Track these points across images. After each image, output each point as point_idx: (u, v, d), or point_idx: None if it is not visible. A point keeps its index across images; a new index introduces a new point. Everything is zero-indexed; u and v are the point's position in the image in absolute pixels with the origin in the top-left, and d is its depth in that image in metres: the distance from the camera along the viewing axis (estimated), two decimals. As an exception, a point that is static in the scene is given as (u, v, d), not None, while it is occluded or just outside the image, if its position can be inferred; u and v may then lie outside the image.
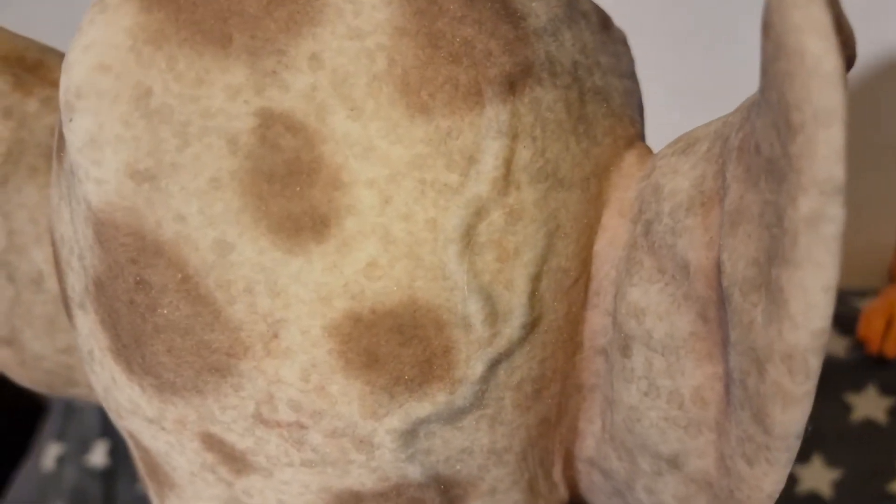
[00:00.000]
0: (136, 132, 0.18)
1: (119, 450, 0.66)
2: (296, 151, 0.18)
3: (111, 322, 0.21)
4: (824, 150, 0.14)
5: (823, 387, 0.57)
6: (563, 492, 0.24)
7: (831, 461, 0.55)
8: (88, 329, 0.22)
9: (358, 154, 0.18)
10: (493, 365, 0.20)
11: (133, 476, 0.66)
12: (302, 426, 0.20)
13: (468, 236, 0.19)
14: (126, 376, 0.21)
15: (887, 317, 0.54)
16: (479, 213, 0.19)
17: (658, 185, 0.20)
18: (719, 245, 0.18)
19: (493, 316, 0.20)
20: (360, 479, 0.21)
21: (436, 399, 0.20)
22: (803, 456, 0.56)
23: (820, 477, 0.55)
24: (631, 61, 0.24)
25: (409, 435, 0.20)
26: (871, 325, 0.55)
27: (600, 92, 0.22)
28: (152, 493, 0.25)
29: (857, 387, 0.56)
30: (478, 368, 0.20)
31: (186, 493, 0.23)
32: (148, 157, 0.18)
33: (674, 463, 0.20)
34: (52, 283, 0.26)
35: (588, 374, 0.23)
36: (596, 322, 0.22)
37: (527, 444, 0.22)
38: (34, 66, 0.25)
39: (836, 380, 0.56)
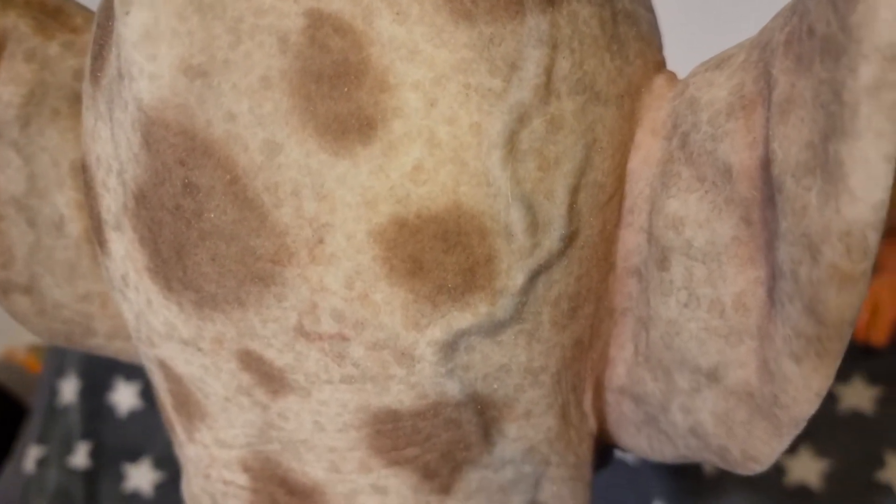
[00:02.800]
0: (190, 26, 0.18)
1: (100, 451, 0.65)
2: (343, 53, 0.18)
3: (151, 237, 0.20)
4: (886, 14, 0.14)
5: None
6: (591, 423, 0.24)
7: (819, 452, 0.56)
8: (124, 251, 0.21)
9: (404, 57, 0.18)
10: (533, 277, 0.20)
11: (116, 476, 0.65)
12: (344, 338, 0.20)
13: (511, 143, 0.19)
14: (163, 296, 0.21)
15: (872, 306, 0.54)
16: (521, 119, 0.19)
17: (693, 98, 0.20)
18: (766, 138, 0.18)
19: (534, 226, 0.20)
20: (399, 396, 0.21)
21: (477, 310, 0.20)
22: (790, 447, 0.56)
23: (808, 468, 0.56)
24: None
25: (450, 348, 0.20)
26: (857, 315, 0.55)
27: (630, 16, 0.22)
28: (180, 430, 0.24)
29: (843, 377, 0.56)
30: (518, 279, 0.20)
31: (219, 421, 0.23)
32: (201, 52, 0.18)
33: (713, 376, 0.20)
34: (73, 228, 0.26)
35: (620, 297, 0.22)
36: (630, 240, 0.22)
37: (561, 365, 0.22)
38: (54, 11, 0.25)
39: (822, 371, 0.56)
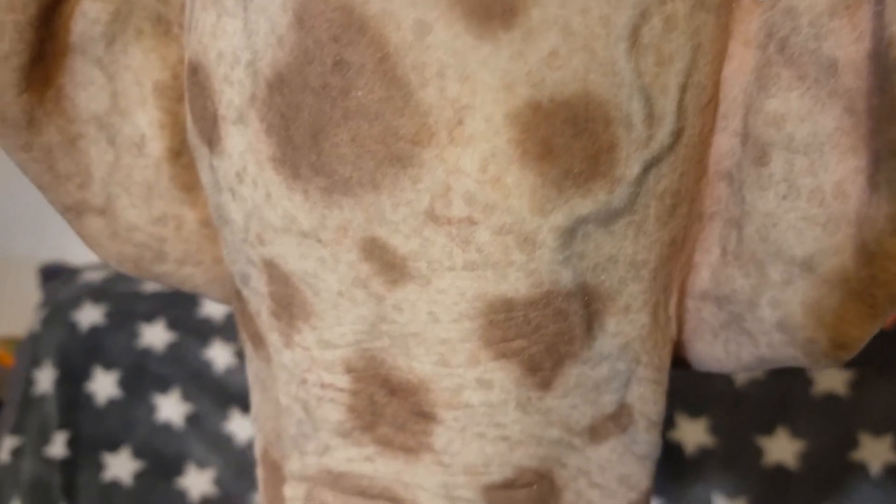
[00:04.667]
0: None
1: (78, 440, 0.64)
2: None
3: (283, 124, 0.21)
4: None
5: (786, 362, 0.58)
6: (673, 328, 0.25)
7: (796, 433, 0.57)
8: (245, 144, 0.22)
9: None
10: (647, 168, 0.22)
11: (95, 465, 0.64)
12: (472, 222, 0.21)
13: (634, 36, 0.20)
14: (286, 186, 0.22)
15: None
16: (643, 15, 0.20)
17: (790, 6, 0.21)
18: (873, 31, 0.19)
19: (651, 118, 0.21)
20: (516, 284, 0.22)
21: (597, 197, 0.21)
22: (768, 428, 0.58)
23: (785, 449, 0.57)
24: None
25: (569, 235, 0.21)
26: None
27: None
28: (275, 337, 0.25)
29: (818, 361, 0.57)
30: (634, 169, 0.21)
31: (326, 320, 0.23)
32: None
33: (807, 265, 0.22)
34: (154, 147, 0.26)
35: (709, 201, 0.24)
36: (723, 144, 0.23)
37: (658, 263, 0.23)
38: None
39: (797, 355, 0.58)
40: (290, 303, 0.24)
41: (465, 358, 0.23)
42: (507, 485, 0.23)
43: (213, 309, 0.67)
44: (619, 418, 0.24)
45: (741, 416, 0.58)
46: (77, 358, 0.66)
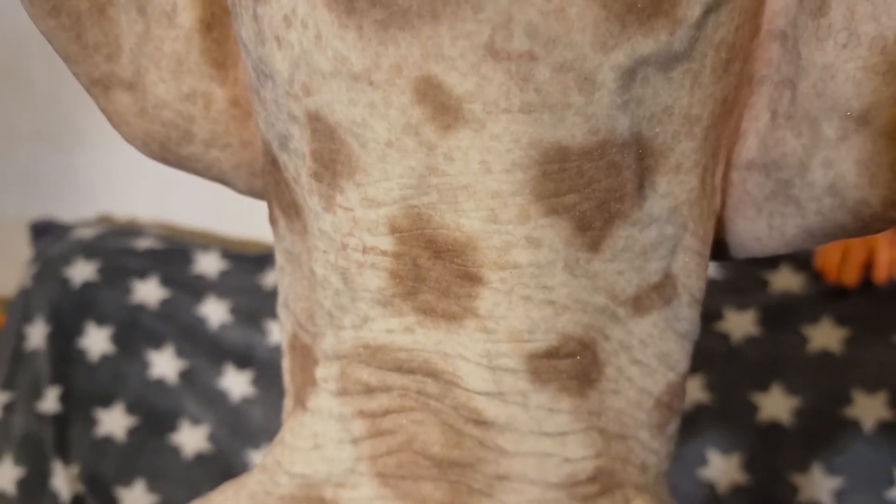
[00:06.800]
0: None
1: (71, 395, 0.64)
2: None
3: None
4: None
5: (780, 320, 0.59)
6: (718, 201, 0.25)
7: (790, 390, 0.58)
8: None
9: None
10: (707, 12, 0.22)
11: (88, 421, 0.63)
12: (533, 57, 0.21)
13: None
14: (339, 24, 0.21)
15: (843, 248, 0.56)
16: None
17: None
18: None
19: None
20: (573, 130, 0.22)
21: (659, 37, 0.21)
22: (763, 385, 0.58)
23: (779, 405, 0.57)
24: None
25: (629, 76, 0.21)
26: (828, 256, 0.57)
27: None
28: (315, 201, 0.24)
29: (813, 319, 0.58)
30: (696, 10, 0.21)
31: (372, 174, 0.23)
32: None
33: (864, 118, 0.22)
34: (185, 18, 0.26)
35: (759, 64, 0.24)
36: (777, 2, 0.23)
37: (710, 122, 0.23)
38: None
39: (792, 313, 0.58)
40: (333, 160, 0.23)
41: (515, 213, 0.22)
42: (551, 353, 0.23)
43: (206, 266, 0.67)
44: (663, 289, 0.24)
45: (736, 372, 0.59)
46: (69, 314, 0.65)
